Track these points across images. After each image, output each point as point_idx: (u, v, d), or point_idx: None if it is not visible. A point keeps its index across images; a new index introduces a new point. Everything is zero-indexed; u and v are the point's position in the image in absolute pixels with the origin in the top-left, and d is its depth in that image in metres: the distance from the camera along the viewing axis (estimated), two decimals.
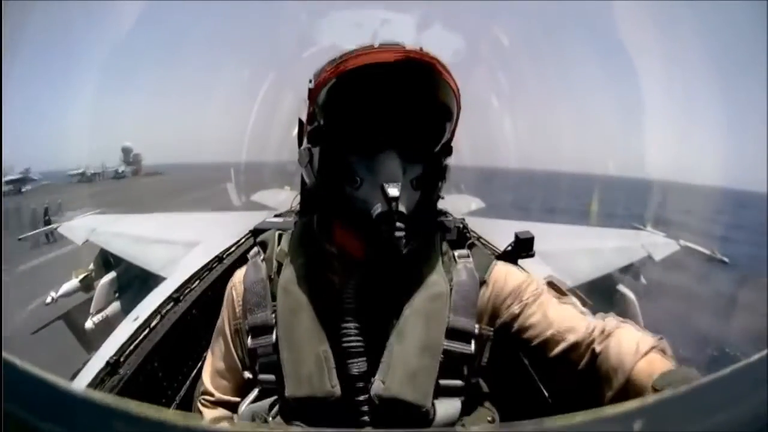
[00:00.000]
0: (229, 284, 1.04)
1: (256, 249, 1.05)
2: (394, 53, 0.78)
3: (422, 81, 0.82)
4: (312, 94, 0.87)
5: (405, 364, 0.84)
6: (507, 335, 0.94)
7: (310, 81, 0.88)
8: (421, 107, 0.85)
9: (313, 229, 0.99)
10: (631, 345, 0.79)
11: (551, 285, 0.99)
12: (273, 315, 0.91)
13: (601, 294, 5.95)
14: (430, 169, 0.92)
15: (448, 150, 0.95)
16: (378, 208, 0.80)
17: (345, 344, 0.86)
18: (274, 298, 0.93)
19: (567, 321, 0.89)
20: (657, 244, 7.19)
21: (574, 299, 0.96)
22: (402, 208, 0.80)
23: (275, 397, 0.92)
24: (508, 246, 1.56)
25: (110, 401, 0.27)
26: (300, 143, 0.95)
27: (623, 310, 6.18)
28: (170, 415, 0.25)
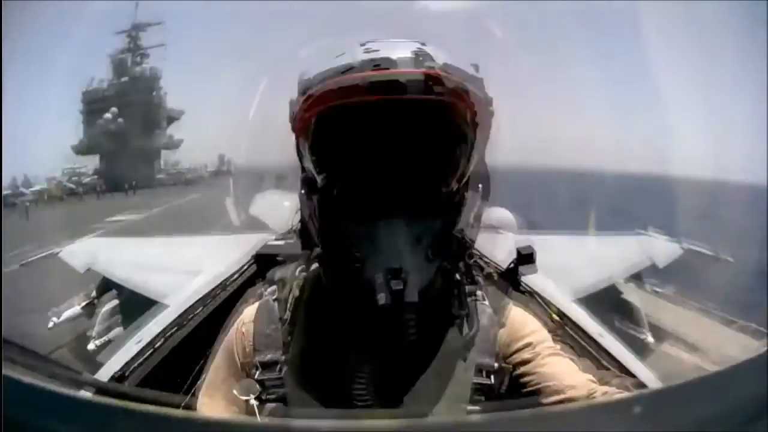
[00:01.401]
0: (239, 322, 1.01)
1: (272, 288, 1.00)
2: (376, 85, 0.63)
3: (426, 113, 0.66)
4: (292, 126, 0.78)
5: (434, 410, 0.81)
6: (513, 376, 0.93)
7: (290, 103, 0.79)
8: (427, 146, 0.70)
9: (322, 284, 0.95)
10: None
11: (568, 345, 0.99)
12: (282, 356, 0.91)
13: (605, 300, 5.91)
14: (451, 215, 0.78)
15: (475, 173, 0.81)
16: (382, 299, 0.70)
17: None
18: (284, 344, 0.92)
19: (571, 378, 0.88)
20: (660, 248, 7.19)
21: (585, 366, 0.95)
22: (412, 296, 0.70)
23: None
24: (510, 263, 1.58)
25: (109, 401, 0.29)
26: (298, 155, 0.91)
27: (628, 315, 6.13)
28: (170, 411, 0.26)
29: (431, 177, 0.71)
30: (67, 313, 6.82)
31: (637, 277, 6.74)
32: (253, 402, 0.92)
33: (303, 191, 0.82)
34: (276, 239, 3.85)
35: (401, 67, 0.63)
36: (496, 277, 1.03)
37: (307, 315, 0.94)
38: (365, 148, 0.68)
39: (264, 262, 3.11)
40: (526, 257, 1.50)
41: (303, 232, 0.92)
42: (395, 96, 0.63)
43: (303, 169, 0.85)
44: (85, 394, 1.41)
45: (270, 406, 0.90)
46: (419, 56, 0.65)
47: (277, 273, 1.03)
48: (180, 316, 2.26)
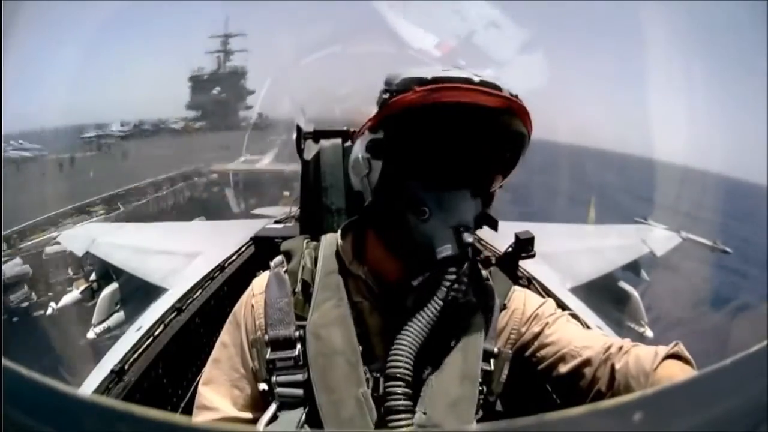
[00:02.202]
0: (248, 295, 0.99)
1: (279, 258, 1.01)
2: (496, 99, 0.78)
3: (508, 126, 0.82)
4: (388, 106, 0.85)
5: (446, 394, 0.84)
6: (525, 354, 0.95)
7: (386, 92, 0.86)
8: (500, 150, 0.86)
9: (338, 252, 0.96)
10: (650, 355, 0.80)
11: (574, 317, 1.01)
12: (296, 332, 0.89)
13: (603, 291, 5.94)
14: (487, 202, 0.92)
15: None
16: (447, 251, 0.79)
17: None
18: (297, 316, 0.90)
19: (584, 339, 0.91)
20: (659, 238, 7.22)
21: (596, 329, 0.99)
22: (470, 252, 0.80)
23: (301, 417, 0.87)
24: (508, 247, 1.56)
25: (113, 404, 0.27)
26: (298, 149, 0.94)
27: (626, 307, 6.18)
28: (176, 417, 0.25)
29: (491, 169, 0.89)
30: (66, 299, 6.88)
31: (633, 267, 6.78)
32: (264, 387, 0.90)
33: (368, 155, 0.91)
34: (275, 222, 3.85)
35: (505, 92, 0.80)
36: (493, 260, 1.03)
37: (328, 287, 0.93)
38: (460, 136, 0.83)
39: (262, 244, 3.10)
40: (524, 243, 1.49)
41: (303, 199, 1.08)
42: (513, 108, 0.80)
43: (300, 136, 1.01)
44: (87, 393, 1.40)
45: (272, 408, 0.87)
46: (511, 91, 0.82)
47: (284, 245, 1.04)
48: (179, 300, 2.25)
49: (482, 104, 0.78)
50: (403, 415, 0.78)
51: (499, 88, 0.80)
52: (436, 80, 0.80)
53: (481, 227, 0.91)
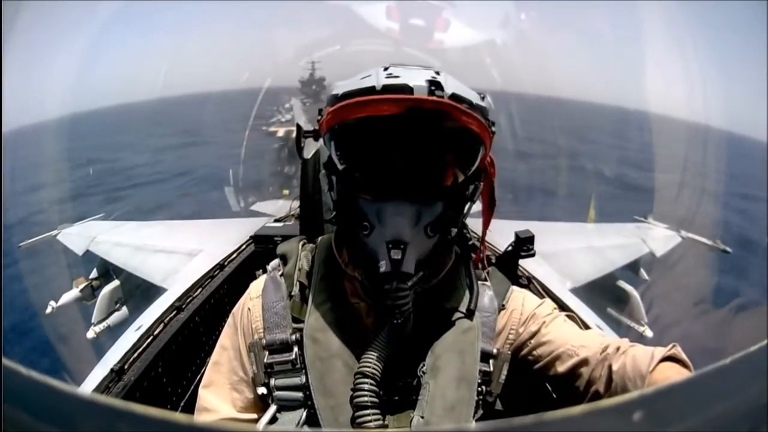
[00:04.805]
0: (245, 298, 1.01)
1: (276, 262, 1.02)
2: (398, 106, 0.75)
3: (432, 126, 0.79)
4: (320, 127, 0.87)
5: (443, 398, 0.84)
6: (522, 353, 0.96)
7: (320, 111, 0.88)
8: (434, 150, 0.83)
9: (334, 254, 0.97)
10: (646, 357, 0.80)
11: (572, 318, 1.02)
12: (293, 335, 0.89)
13: (602, 291, 5.95)
14: (453, 203, 0.89)
15: (478, 174, 0.91)
16: (383, 266, 0.79)
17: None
18: (294, 319, 0.91)
19: (581, 339, 0.92)
20: (659, 237, 7.25)
21: (595, 328, 0.99)
22: (409, 267, 0.79)
23: (301, 417, 0.88)
24: (508, 246, 1.56)
25: (114, 403, 0.27)
26: (298, 148, 0.94)
27: (626, 306, 6.18)
28: (177, 416, 0.25)
29: (430, 173, 0.84)
30: (66, 297, 6.84)
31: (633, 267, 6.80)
32: (263, 390, 0.92)
33: (324, 171, 0.92)
34: (275, 220, 3.87)
35: (417, 93, 0.76)
36: (493, 260, 1.04)
37: (324, 289, 0.94)
38: (379, 149, 0.83)
39: (262, 243, 3.11)
40: (524, 242, 1.49)
41: (303, 198, 1.00)
42: (410, 116, 0.76)
43: (299, 135, 1.00)
44: (87, 392, 1.40)
45: (272, 409, 0.88)
46: (432, 85, 0.77)
47: (279, 248, 1.05)
48: (179, 299, 2.25)
49: (383, 115, 0.75)
50: (369, 410, 0.80)
51: (409, 90, 0.76)
52: (343, 96, 0.80)
53: (441, 232, 0.88)
